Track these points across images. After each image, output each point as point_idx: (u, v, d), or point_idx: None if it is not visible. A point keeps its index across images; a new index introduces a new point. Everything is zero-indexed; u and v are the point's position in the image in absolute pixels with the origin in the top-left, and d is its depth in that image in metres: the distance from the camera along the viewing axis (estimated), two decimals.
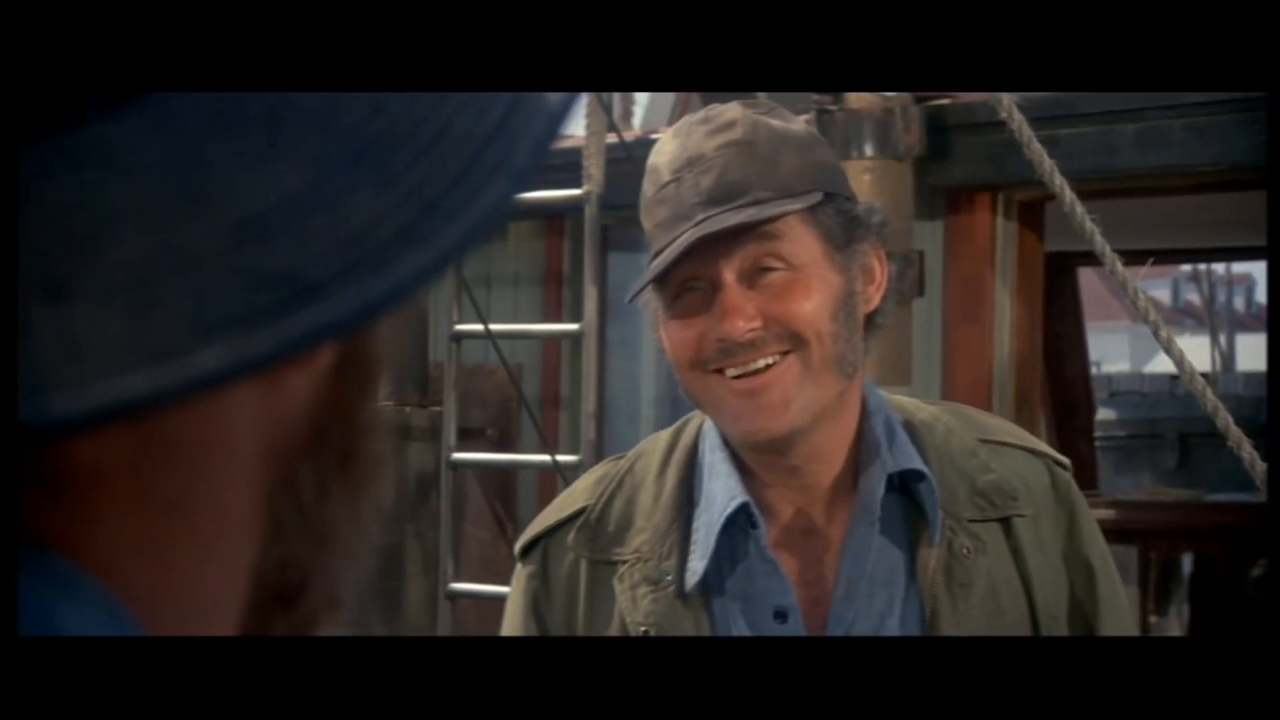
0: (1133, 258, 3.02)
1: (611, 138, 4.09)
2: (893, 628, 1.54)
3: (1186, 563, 6.90)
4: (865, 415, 1.58)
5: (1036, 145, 2.73)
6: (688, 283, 1.54)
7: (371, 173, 0.43)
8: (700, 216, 1.51)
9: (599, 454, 4.71)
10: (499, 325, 4.32)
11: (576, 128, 4.21)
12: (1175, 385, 7.32)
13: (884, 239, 1.59)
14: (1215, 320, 15.08)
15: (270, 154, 0.42)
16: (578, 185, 4.13)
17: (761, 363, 1.51)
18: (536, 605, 1.63)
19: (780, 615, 1.54)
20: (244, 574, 0.49)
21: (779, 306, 1.51)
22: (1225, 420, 1.98)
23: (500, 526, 4.89)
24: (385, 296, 0.42)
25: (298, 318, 0.41)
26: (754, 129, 1.55)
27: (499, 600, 5.13)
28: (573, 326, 4.35)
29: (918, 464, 1.55)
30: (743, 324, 1.50)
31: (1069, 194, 2.56)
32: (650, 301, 1.60)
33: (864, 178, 3.21)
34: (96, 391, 0.40)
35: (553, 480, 4.70)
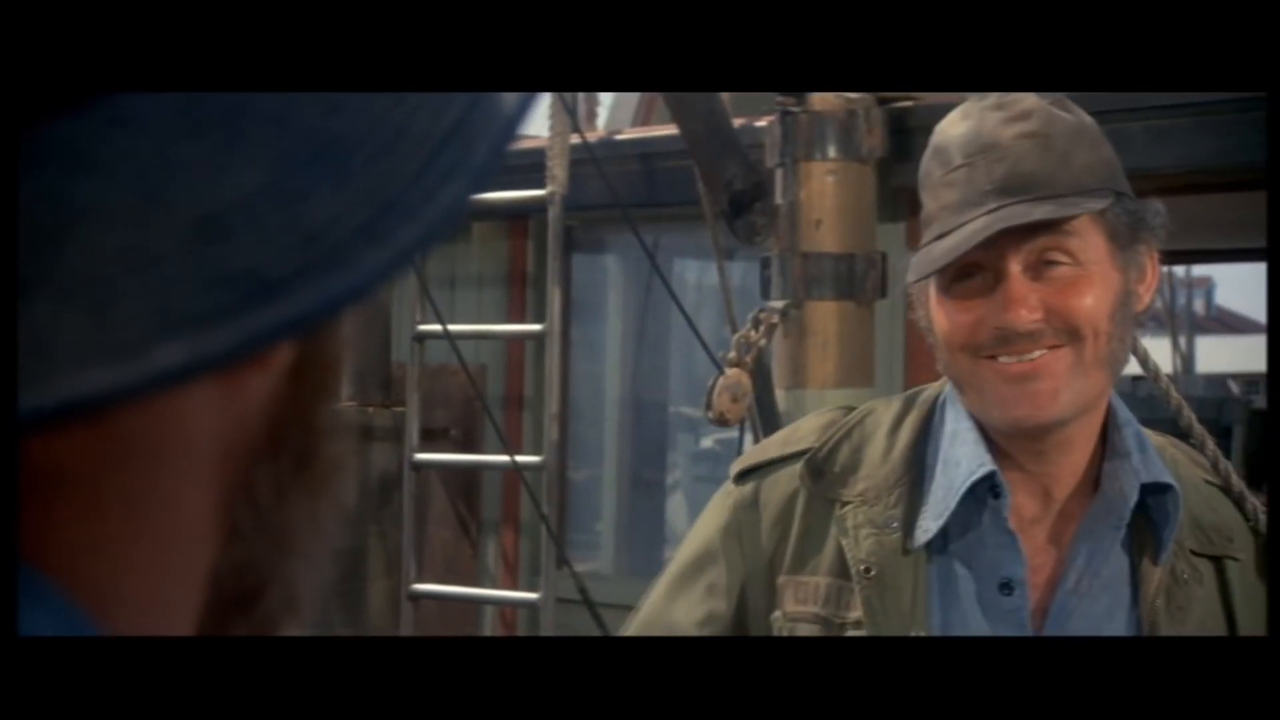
0: None
1: (575, 139, 4.09)
2: (1110, 633, 1.57)
3: None
4: (1116, 423, 1.62)
5: None
6: (969, 268, 1.56)
7: (330, 172, 0.43)
8: (993, 205, 1.53)
9: (562, 455, 4.71)
10: (462, 326, 4.32)
11: (540, 128, 4.21)
12: (1137, 386, 7.36)
13: (1160, 239, 1.62)
14: (1175, 323, 15.16)
15: (229, 153, 0.42)
16: (541, 186, 4.13)
17: (1036, 353, 1.54)
18: (740, 529, 1.66)
19: (1006, 587, 1.57)
20: (202, 577, 0.49)
21: (1062, 301, 1.53)
22: (1189, 419, 1.99)
23: (463, 527, 4.88)
24: (344, 294, 0.43)
25: (258, 315, 0.41)
26: (1050, 121, 1.59)
27: (462, 601, 5.10)
28: (536, 327, 4.34)
29: (1169, 478, 1.58)
30: (1026, 314, 1.52)
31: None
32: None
33: (827, 179, 3.22)
34: (58, 388, 0.40)
35: (515, 481, 4.70)
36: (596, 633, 3.22)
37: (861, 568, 1.58)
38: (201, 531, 0.48)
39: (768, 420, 3.15)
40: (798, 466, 1.64)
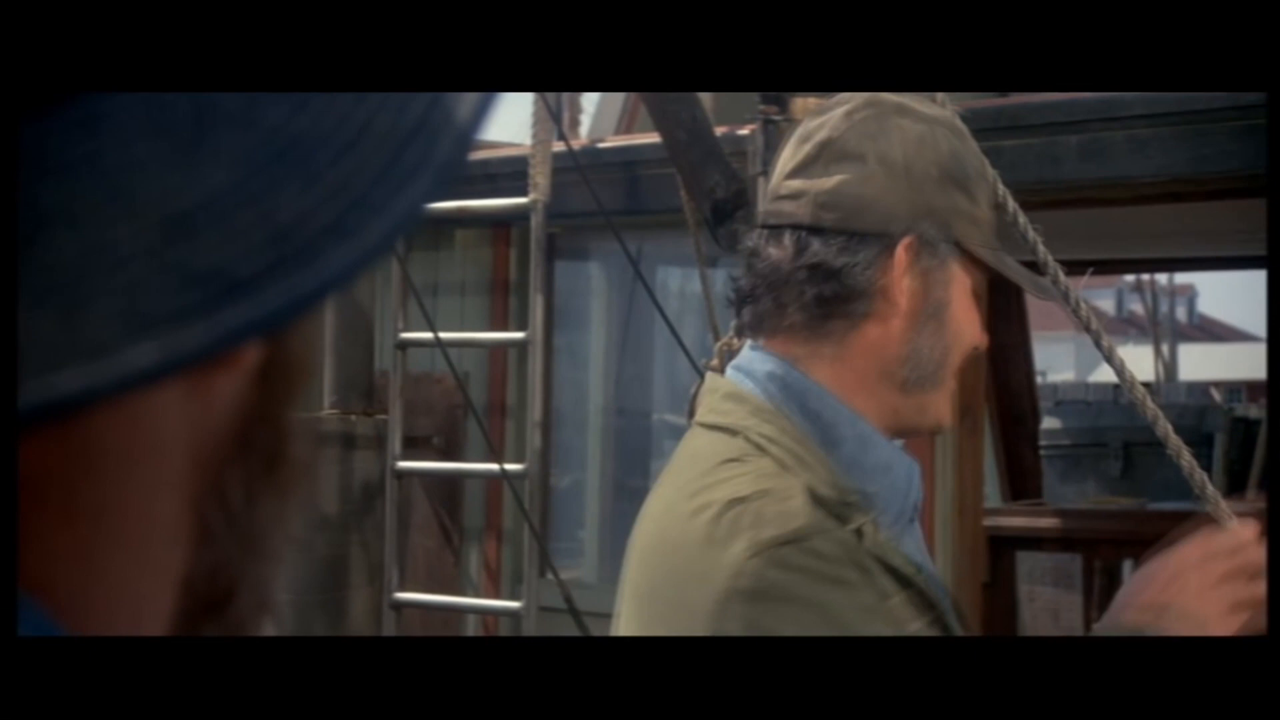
0: (1074, 268, 3.05)
1: (558, 146, 4.09)
2: None
3: (1129, 569, 6.96)
4: None
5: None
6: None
7: (296, 170, 0.43)
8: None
9: (545, 463, 4.70)
10: (445, 334, 4.31)
11: (523, 136, 4.21)
12: (1119, 394, 7.37)
13: None
14: (1158, 330, 15.22)
15: (195, 153, 0.43)
16: (524, 194, 4.12)
17: None
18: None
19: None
20: (173, 582, 0.49)
21: None
22: (1165, 429, 2.00)
23: (446, 536, 4.87)
24: (314, 291, 0.43)
25: (228, 313, 0.42)
26: None
27: (444, 610, 5.08)
28: (518, 335, 4.33)
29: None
30: None
31: (1012, 204, 2.58)
32: (957, 273, 1.61)
33: None
34: (30, 390, 0.40)
35: (498, 489, 4.69)
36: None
37: (912, 569, 1.53)
38: (173, 535, 0.48)
39: None
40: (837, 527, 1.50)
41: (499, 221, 4.74)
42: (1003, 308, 5.81)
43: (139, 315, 0.41)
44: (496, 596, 4.69)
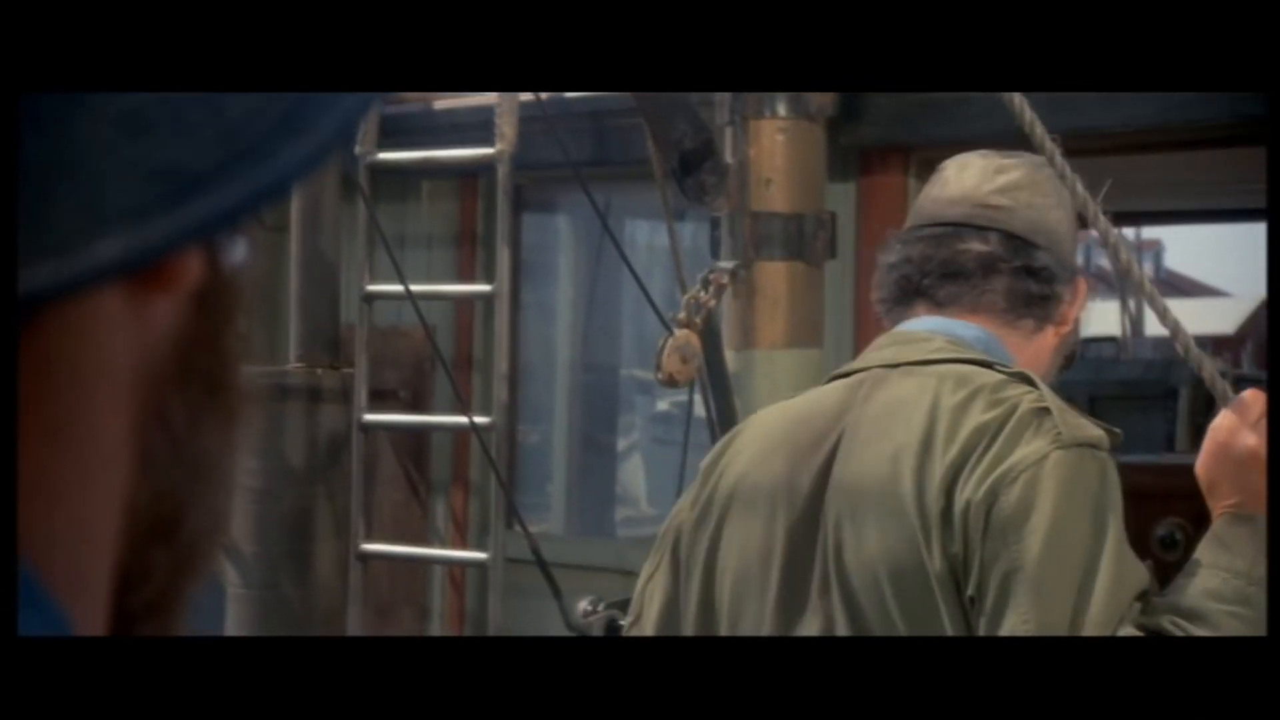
0: None
1: (526, 96, 4.07)
2: None
3: None
4: None
5: None
6: None
7: None
8: None
9: (512, 415, 4.70)
10: (412, 286, 4.29)
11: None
12: (1085, 348, 7.41)
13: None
14: (1124, 286, 15.27)
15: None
16: (491, 144, 4.10)
17: None
18: None
19: None
20: (119, 506, 0.49)
21: None
22: (1211, 373, 2.05)
23: (413, 489, 4.87)
24: (270, 186, 0.44)
25: (190, 208, 0.43)
26: None
27: (410, 562, 5.09)
28: (485, 287, 4.33)
29: None
30: None
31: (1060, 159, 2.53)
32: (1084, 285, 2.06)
33: (776, 138, 3.21)
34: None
35: (465, 442, 4.68)
36: (546, 591, 3.22)
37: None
38: (119, 459, 0.49)
39: (718, 381, 3.15)
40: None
41: (466, 173, 4.73)
42: None
43: (102, 211, 0.42)
44: (464, 549, 4.70)
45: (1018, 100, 2.29)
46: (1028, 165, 2.04)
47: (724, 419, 3.12)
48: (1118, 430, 1.85)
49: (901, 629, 1.74)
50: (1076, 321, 2.04)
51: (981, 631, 1.69)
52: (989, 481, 1.73)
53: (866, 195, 4.05)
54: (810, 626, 1.81)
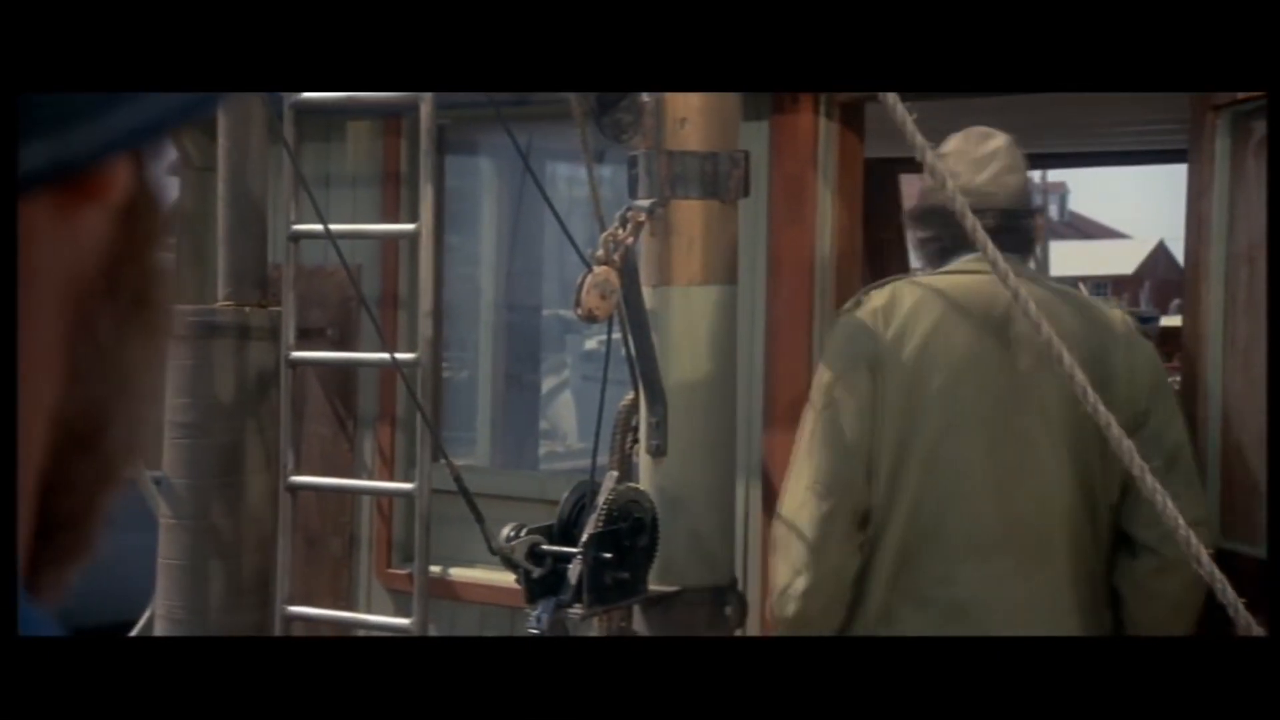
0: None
1: None
2: None
3: None
4: None
5: None
6: None
7: None
8: None
9: (436, 352, 4.79)
10: (337, 225, 4.37)
11: None
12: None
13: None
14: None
15: None
16: None
17: None
18: None
19: None
20: (45, 415, 0.50)
21: None
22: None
23: (341, 424, 4.96)
24: (192, 100, 0.46)
25: (114, 116, 0.44)
26: None
27: (337, 493, 5.12)
28: (409, 226, 4.39)
29: None
30: None
31: (891, 95, 2.67)
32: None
33: None
34: None
35: (392, 379, 4.77)
36: (471, 520, 3.32)
37: None
38: (46, 369, 0.49)
39: (636, 317, 3.22)
40: None
41: (390, 113, 4.78)
42: (880, 203, 5.95)
43: (29, 119, 0.42)
44: (391, 480, 4.80)
45: (891, 99, 2.38)
46: (1006, 139, 3.35)
47: (642, 354, 3.20)
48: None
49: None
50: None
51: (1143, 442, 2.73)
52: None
53: (778, 134, 4.14)
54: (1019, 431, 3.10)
